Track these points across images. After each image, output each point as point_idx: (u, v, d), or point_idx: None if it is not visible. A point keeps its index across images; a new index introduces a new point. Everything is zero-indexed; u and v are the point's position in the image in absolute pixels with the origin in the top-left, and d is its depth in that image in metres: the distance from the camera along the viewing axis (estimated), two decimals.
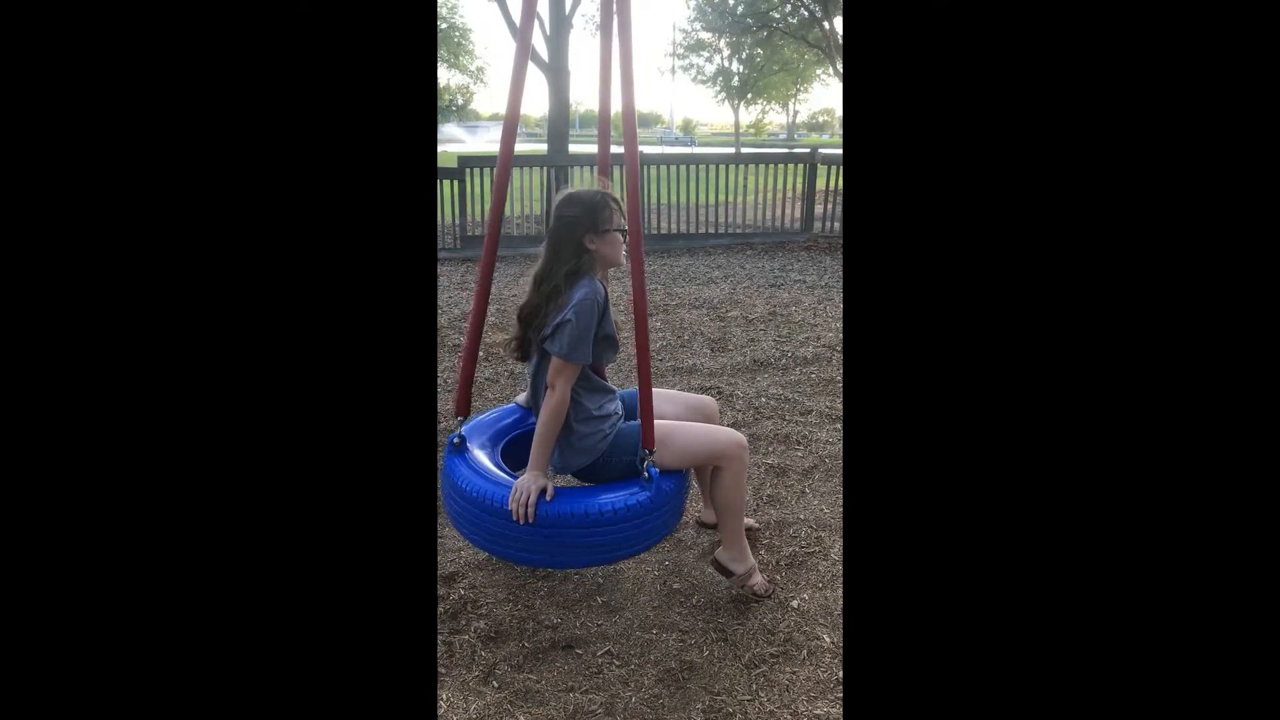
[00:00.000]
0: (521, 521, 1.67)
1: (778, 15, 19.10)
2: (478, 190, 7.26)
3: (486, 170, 7.37)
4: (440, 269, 6.58)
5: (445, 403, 3.41)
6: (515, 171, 7.61)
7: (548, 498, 1.69)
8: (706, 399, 2.19)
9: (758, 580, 2.04)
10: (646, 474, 1.78)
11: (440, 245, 7.37)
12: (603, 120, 2.26)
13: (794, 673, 1.77)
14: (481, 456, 1.90)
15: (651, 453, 1.78)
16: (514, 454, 2.04)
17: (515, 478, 1.77)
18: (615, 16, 1.74)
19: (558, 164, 7.66)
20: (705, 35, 23.75)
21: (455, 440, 1.91)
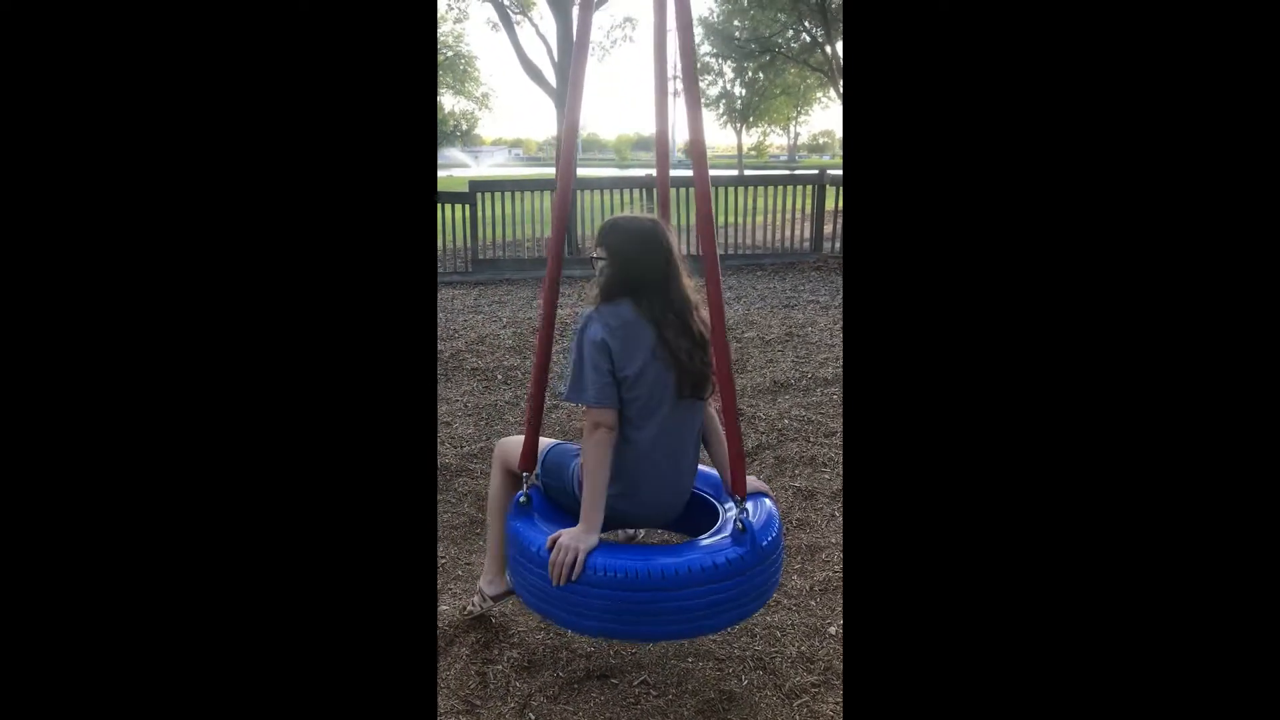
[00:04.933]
0: None
1: (781, 41, 19.30)
2: (488, 214, 7.29)
3: (497, 195, 7.40)
4: (452, 292, 6.59)
5: (467, 426, 3.39)
6: (525, 196, 7.65)
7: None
8: None
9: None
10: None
11: (452, 269, 7.39)
12: (570, 138, 1.91)
13: (837, 703, 1.72)
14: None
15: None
16: None
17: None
18: (672, 35, 1.72)
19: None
20: (710, 60, 23.95)
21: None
